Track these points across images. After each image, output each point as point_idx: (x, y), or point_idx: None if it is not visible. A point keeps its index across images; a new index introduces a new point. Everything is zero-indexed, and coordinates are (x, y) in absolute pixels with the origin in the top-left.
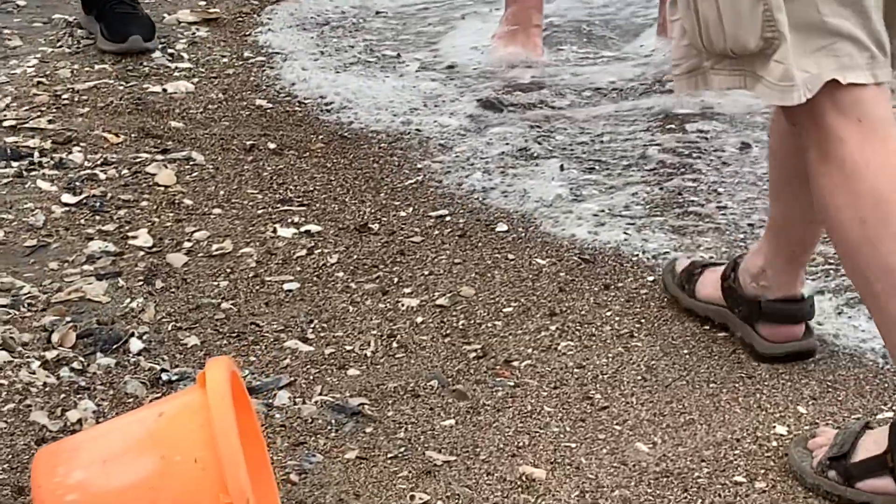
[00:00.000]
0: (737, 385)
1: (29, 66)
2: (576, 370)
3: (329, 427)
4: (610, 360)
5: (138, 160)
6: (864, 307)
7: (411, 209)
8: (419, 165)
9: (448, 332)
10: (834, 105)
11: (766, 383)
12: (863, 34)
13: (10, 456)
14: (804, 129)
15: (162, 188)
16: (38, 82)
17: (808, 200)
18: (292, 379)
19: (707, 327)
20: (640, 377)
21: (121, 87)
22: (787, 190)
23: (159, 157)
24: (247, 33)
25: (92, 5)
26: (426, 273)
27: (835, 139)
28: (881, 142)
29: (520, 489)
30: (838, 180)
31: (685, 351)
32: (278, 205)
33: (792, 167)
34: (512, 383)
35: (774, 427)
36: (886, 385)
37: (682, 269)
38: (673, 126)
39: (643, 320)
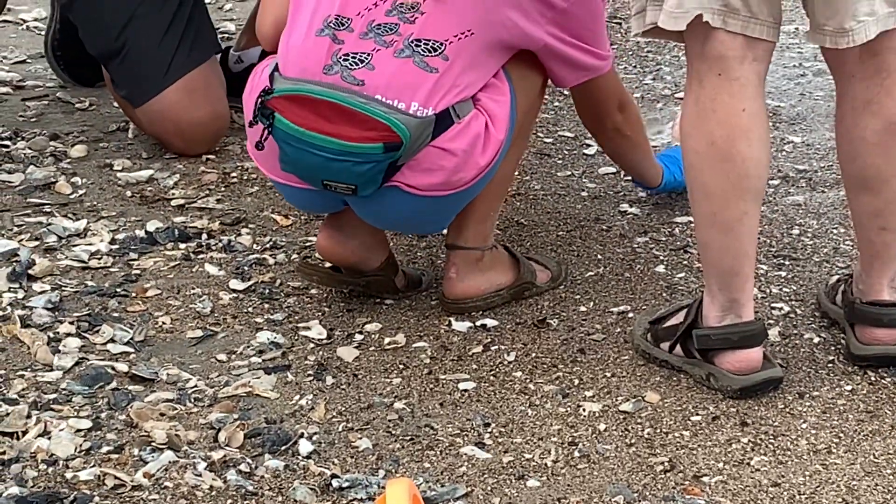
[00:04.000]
0: None
1: None
2: (770, 489)
3: None
4: (807, 478)
5: (308, 244)
6: None
7: (592, 304)
8: (599, 256)
9: (633, 441)
10: (702, 55)
11: None
12: None
13: None
14: (688, 61)
15: None
16: (207, 159)
17: None
18: (469, 489)
19: None
20: (840, 499)
21: None
22: None
23: None
24: None
25: None
26: (608, 375)
27: (697, 81)
28: (730, 97)
29: None
30: (691, 113)
31: (888, 471)
32: None
33: None
34: (703, 502)
35: None
36: None
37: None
38: None
39: (841, 434)
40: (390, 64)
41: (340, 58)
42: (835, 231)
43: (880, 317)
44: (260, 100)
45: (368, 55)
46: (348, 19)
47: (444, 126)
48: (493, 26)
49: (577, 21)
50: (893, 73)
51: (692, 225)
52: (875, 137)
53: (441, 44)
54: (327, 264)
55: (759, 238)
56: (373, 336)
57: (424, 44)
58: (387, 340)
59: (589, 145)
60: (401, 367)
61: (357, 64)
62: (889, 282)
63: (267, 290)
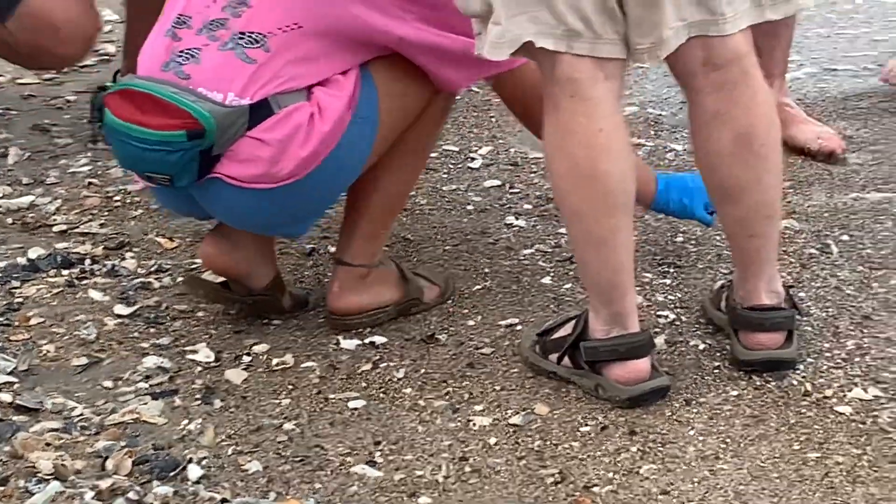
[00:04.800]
0: None
1: (79, 166)
2: (660, 496)
3: None
4: (696, 484)
5: (194, 266)
6: None
7: (480, 317)
8: (486, 269)
9: (523, 454)
10: (554, 78)
11: None
12: (566, 9)
13: None
14: (542, 85)
15: None
16: (90, 183)
17: None
18: None
19: (797, 447)
20: None
21: None
22: None
23: None
24: None
25: None
26: (498, 388)
27: (553, 105)
28: (586, 118)
29: None
30: (552, 137)
31: (775, 475)
32: None
33: None
34: None
35: None
36: None
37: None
38: None
39: (728, 440)
40: (215, 57)
41: (176, 54)
42: (718, 237)
43: (761, 321)
44: (97, 97)
45: (199, 50)
46: (189, 17)
47: (262, 116)
48: (327, 19)
49: (453, 14)
50: (739, 84)
51: None
52: (728, 148)
53: (264, 36)
54: (217, 279)
55: (643, 247)
56: (261, 357)
57: (248, 36)
58: (275, 361)
59: (473, 159)
60: (290, 387)
61: (187, 59)
62: (766, 286)
63: (153, 315)
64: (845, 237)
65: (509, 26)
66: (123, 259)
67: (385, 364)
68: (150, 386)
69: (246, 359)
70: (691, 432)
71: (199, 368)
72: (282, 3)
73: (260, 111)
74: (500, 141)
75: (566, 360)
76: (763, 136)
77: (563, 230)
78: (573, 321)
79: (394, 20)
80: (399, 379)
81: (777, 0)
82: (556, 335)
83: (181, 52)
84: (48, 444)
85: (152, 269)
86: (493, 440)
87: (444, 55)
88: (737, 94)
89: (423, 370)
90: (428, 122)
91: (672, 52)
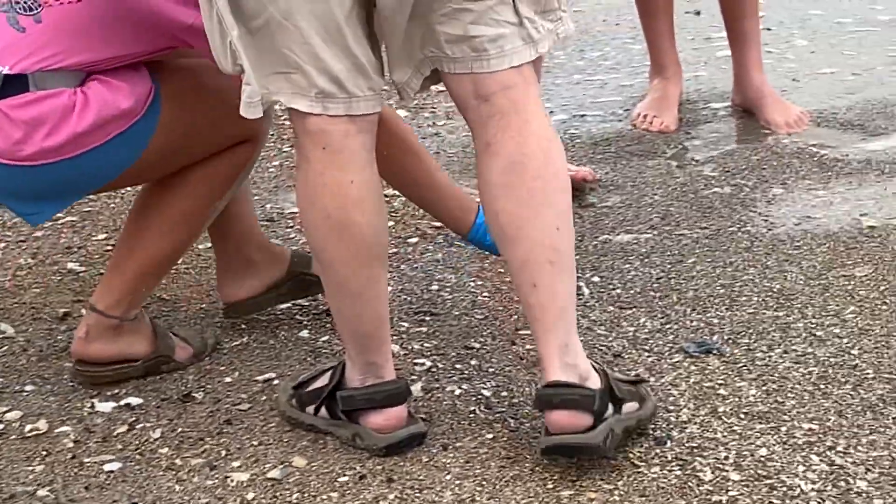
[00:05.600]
0: None
1: None
2: None
3: None
4: None
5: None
6: None
7: (237, 373)
8: (243, 325)
9: None
10: (305, 130)
11: None
12: (317, 73)
13: None
14: (294, 135)
15: None
16: None
17: None
18: None
19: (550, 486)
20: None
21: None
22: None
23: None
24: None
25: None
26: (255, 443)
27: (304, 157)
28: (338, 170)
29: None
30: (304, 189)
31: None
32: None
33: None
34: None
35: None
36: None
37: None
38: None
39: (484, 482)
40: None
41: None
42: (472, 284)
43: (549, 397)
44: None
45: None
46: None
47: (17, 90)
48: (111, 1)
49: None
50: (507, 113)
51: None
52: (500, 178)
53: (39, 5)
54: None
55: (399, 296)
56: (13, 424)
57: (24, 2)
58: (28, 427)
59: None
60: (43, 453)
61: None
62: (559, 357)
63: None
64: (596, 279)
65: (263, 84)
66: None
67: (141, 425)
68: None
69: None
70: (448, 477)
71: None
72: None
73: (16, 83)
74: (256, 197)
75: (323, 410)
76: (537, 167)
77: None
78: (329, 372)
79: (186, 7)
80: (155, 439)
81: (542, 35)
82: (313, 386)
83: None
84: None
85: None
86: (251, 495)
87: None
88: (505, 122)
89: (179, 429)
90: (214, 180)
91: (445, 85)
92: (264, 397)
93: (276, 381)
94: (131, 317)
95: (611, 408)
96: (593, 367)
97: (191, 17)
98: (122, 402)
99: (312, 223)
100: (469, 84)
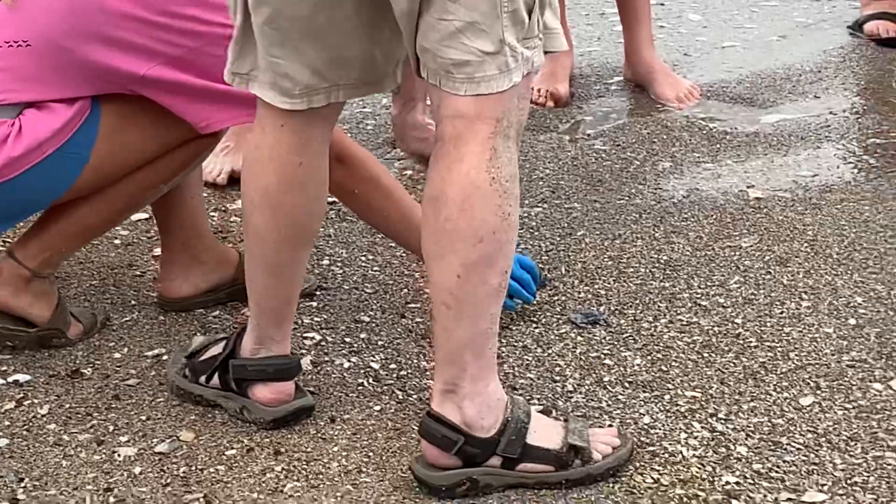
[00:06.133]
0: None
1: None
2: None
3: None
4: (339, 499)
5: None
6: None
7: (126, 349)
8: (133, 301)
9: (169, 480)
10: (265, 104)
11: None
12: (266, 68)
13: None
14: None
15: None
16: None
17: None
18: None
19: None
20: None
21: None
22: None
23: None
24: None
25: None
26: (143, 418)
27: (260, 127)
28: (288, 150)
29: None
30: (250, 157)
31: (416, 484)
32: None
33: None
34: None
35: None
36: None
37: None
38: None
39: (371, 453)
40: None
41: None
42: (363, 259)
43: (424, 427)
44: None
45: None
46: None
47: None
48: (58, 52)
49: (213, 60)
50: (447, 142)
51: None
52: (424, 205)
53: None
54: None
55: None
56: None
57: None
58: None
59: None
60: None
61: None
62: (443, 390)
63: None
64: None
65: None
66: None
67: (29, 401)
68: None
69: None
70: (335, 448)
71: None
72: (18, 21)
73: None
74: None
75: (215, 380)
76: (450, 211)
77: None
78: (223, 341)
79: (139, 58)
80: (43, 415)
81: (518, 64)
82: (206, 355)
83: None
84: None
85: None
86: (138, 469)
87: (198, 94)
88: (443, 152)
89: (67, 405)
90: (158, 169)
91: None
92: (153, 373)
93: (164, 357)
94: (43, 274)
95: (496, 460)
96: (519, 419)
97: (144, 68)
98: (10, 379)
99: (251, 193)
100: (436, 97)
